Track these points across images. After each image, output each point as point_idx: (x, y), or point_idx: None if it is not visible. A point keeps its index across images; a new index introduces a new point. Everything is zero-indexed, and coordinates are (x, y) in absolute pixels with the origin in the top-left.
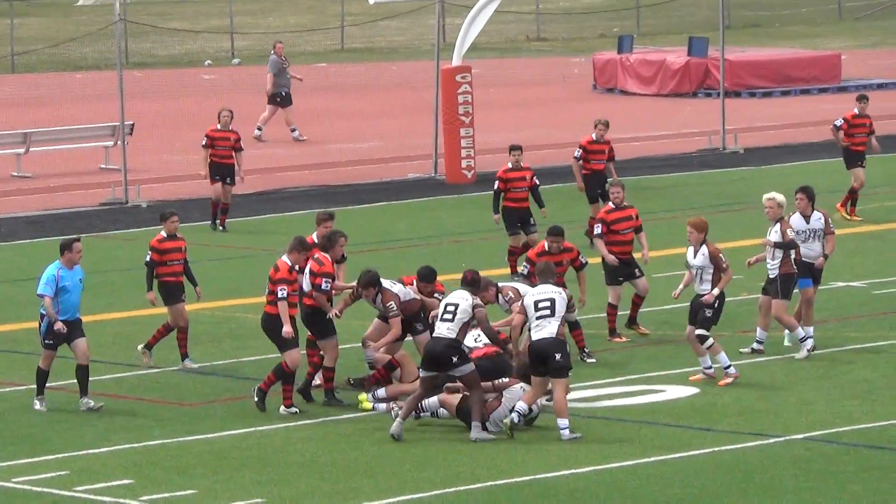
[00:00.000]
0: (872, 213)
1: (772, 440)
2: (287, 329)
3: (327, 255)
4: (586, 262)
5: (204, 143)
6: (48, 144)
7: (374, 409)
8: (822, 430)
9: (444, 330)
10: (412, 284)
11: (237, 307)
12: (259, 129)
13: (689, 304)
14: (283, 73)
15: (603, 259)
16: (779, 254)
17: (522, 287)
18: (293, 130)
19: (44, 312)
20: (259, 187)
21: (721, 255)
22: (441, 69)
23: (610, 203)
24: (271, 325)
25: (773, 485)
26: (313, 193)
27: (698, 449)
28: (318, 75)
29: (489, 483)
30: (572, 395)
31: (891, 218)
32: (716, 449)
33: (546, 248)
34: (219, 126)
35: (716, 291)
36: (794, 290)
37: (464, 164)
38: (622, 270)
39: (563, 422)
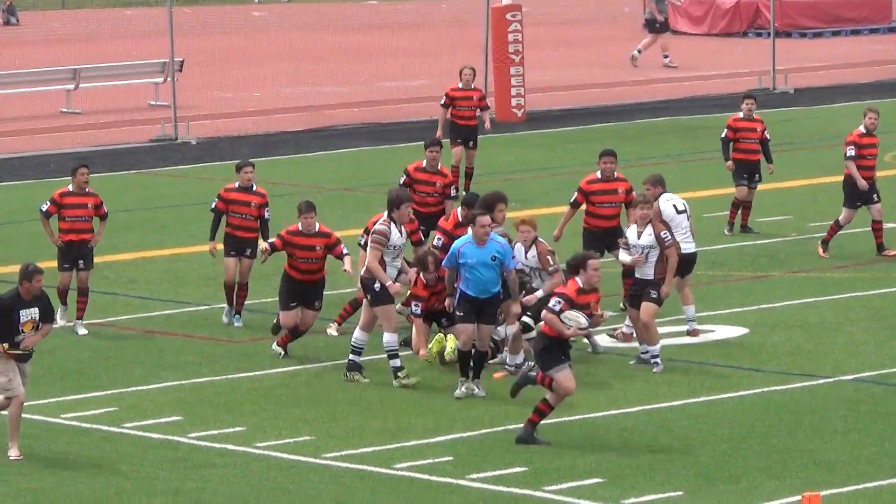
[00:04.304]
0: None
1: (821, 381)
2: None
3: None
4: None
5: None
6: (98, 81)
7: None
8: (871, 371)
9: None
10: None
11: None
12: (638, 51)
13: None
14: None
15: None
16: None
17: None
18: (665, 56)
19: None
20: (309, 124)
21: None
22: (491, 7)
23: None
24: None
25: (822, 426)
26: (363, 131)
27: (747, 389)
28: (368, 13)
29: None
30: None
31: None
32: (764, 389)
33: (459, 218)
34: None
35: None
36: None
37: (514, 102)
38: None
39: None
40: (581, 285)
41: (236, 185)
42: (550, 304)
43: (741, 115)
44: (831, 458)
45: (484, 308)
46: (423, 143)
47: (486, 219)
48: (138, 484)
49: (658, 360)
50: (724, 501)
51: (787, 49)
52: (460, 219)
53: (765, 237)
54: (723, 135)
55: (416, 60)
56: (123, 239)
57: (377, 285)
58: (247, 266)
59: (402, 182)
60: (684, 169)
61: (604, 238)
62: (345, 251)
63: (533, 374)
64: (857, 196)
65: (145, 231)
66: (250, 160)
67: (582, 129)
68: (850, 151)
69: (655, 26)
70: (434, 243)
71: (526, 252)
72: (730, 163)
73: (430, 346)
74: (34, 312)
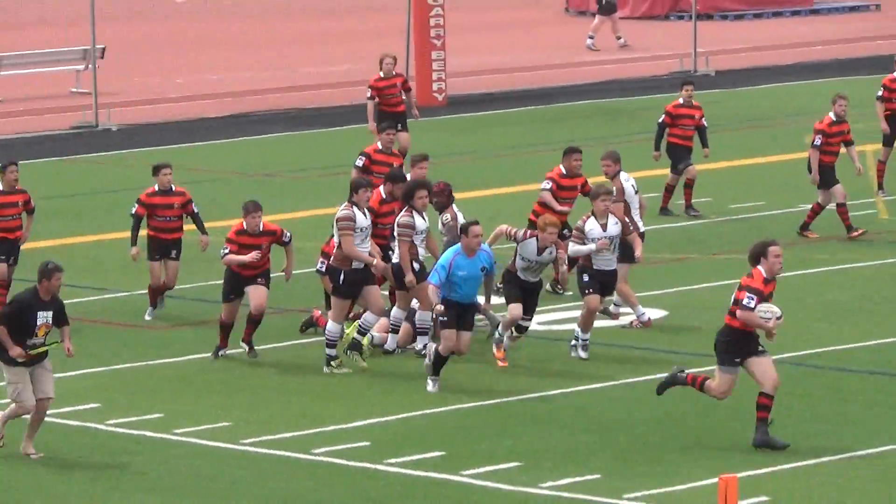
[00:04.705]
0: None
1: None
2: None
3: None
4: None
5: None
6: (18, 68)
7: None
8: (788, 352)
9: None
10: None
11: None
12: (591, 37)
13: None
14: None
15: None
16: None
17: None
18: (618, 38)
19: None
20: (230, 111)
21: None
22: None
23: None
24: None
25: (740, 407)
26: (284, 117)
27: (664, 372)
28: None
29: (456, 406)
30: (539, 318)
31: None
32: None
33: (383, 195)
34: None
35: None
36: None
37: (435, 87)
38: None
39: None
40: (766, 275)
41: (155, 188)
42: (744, 302)
43: (680, 100)
44: (748, 440)
45: (466, 314)
46: (342, 127)
47: (478, 228)
48: (56, 471)
49: (587, 346)
50: (642, 484)
51: (709, 31)
52: (384, 195)
53: (685, 219)
54: (660, 120)
55: (338, 46)
56: (44, 226)
57: (357, 265)
58: (173, 268)
59: (361, 164)
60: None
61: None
62: (286, 239)
63: (683, 374)
64: (829, 178)
65: (66, 218)
66: (167, 162)
67: (504, 112)
68: (818, 141)
69: (603, 4)
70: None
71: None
72: (657, 153)
73: (347, 330)
74: (49, 316)
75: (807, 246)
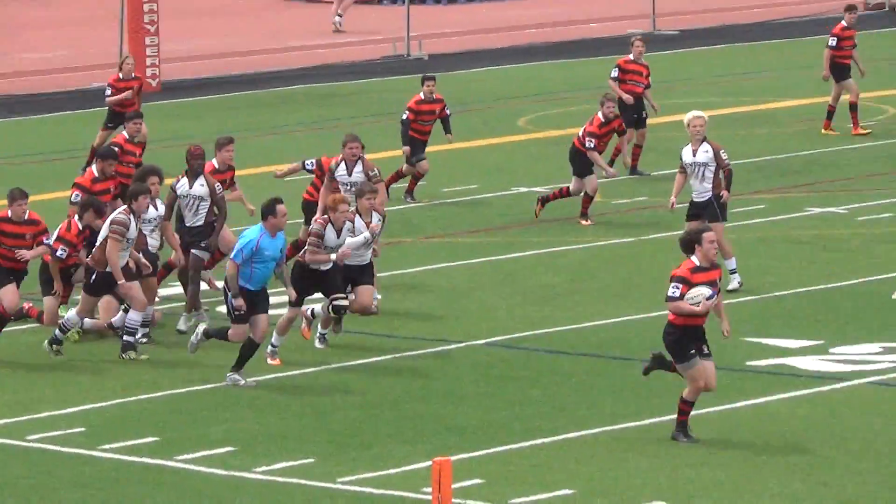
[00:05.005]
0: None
1: (453, 346)
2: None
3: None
4: None
5: None
6: None
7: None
8: (502, 335)
9: None
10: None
11: None
12: (339, 15)
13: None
14: None
15: None
16: (710, 174)
17: None
18: (339, 16)
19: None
20: None
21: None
22: None
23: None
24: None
25: (454, 391)
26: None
27: (380, 356)
28: None
29: (170, 391)
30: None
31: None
32: (396, 355)
33: (95, 173)
34: None
35: None
36: None
37: (149, 72)
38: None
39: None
40: (698, 263)
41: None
42: (669, 293)
43: (631, 56)
44: (462, 423)
45: (260, 299)
46: (58, 113)
47: (284, 207)
48: None
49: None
50: (356, 468)
51: (422, 15)
52: (96, 174)
53: (398, 203)
54: (404, 117)
55: (53, 32)
56: None
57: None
58: None
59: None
60: (319, 137)
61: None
62: (45, 240)
63: (669, 359)
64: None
65: None
66: None
67: (218, 98)
68: (832, 42)
69: None
70: (72, 199)
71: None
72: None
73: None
74: None
75: (519, 229)
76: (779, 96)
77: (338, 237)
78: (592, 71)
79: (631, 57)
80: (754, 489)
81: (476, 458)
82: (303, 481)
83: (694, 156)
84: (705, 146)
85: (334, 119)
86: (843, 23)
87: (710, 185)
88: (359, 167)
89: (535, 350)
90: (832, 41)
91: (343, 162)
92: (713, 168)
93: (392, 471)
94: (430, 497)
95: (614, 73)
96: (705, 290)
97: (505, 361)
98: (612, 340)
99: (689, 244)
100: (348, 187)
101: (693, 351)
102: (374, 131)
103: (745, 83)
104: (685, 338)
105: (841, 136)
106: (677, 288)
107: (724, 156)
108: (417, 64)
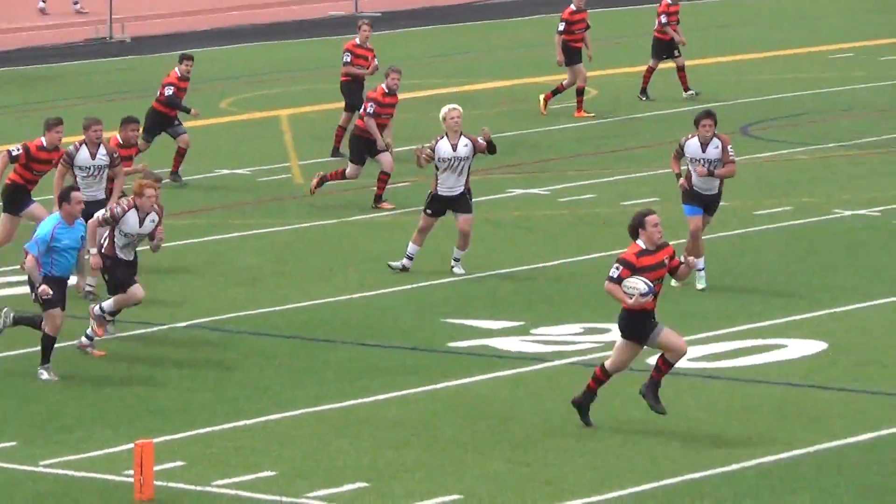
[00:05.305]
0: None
1: (156, 328)
2: None
3: None
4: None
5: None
6: None
7: None
8: (205, 317)
9: None
10: None
11: None
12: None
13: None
14: None
15: None
16: (466, 168)
17: None
18: (76, 2)
19: None
20: None
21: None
22: None
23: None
24: None
25: (155, 373)
26: None
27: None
28: None
29: None
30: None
31: (271, 106)
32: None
33: None
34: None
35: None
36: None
37: None
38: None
39: None
40: (644, 246)
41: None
42: (610, 273)
43: (573, 7)
44: (165, 405)
45: (64, 290)
46: None
47: (80, 195)
48: None
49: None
50: (58, 451)
51: None
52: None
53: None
54: (560, 28)
55: None
56: None
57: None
58: None
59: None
60: (20, 122)
61: None
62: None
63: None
64: (367, 150)
65: None
66: None
67: None
68: (371, 108)
69: None
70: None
71: None
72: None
73: None
74: None
75: (223, 211)
76: (482, 77)
77: (140, 225)
78: (296, 52)
79: (357, 41)
80: (456, 471)
81: (178, 441)
82: (4, 464)
83: (454, 150)
84: (464, 140)
85: (37, 102)
86: (572, 6)
87: (466, 179)
88: (102, 150)
89: (238, 332)
90: (561, 26)
91: (84, 145)
92: (471, 161)
93: (94, 453)
94: (132, 479)
95: (347, 59)
96: (641, 286)
97: (208, 343)
98: (316, 322)
99: (634, 229)
100: (90, 171)
101: (642, 340)
102: (80, 114)
103: (449, 65)
104: (634, 322)
105: (548, 118)
106: (618, 269)
107: (730, 151)
108: (120, 46)
